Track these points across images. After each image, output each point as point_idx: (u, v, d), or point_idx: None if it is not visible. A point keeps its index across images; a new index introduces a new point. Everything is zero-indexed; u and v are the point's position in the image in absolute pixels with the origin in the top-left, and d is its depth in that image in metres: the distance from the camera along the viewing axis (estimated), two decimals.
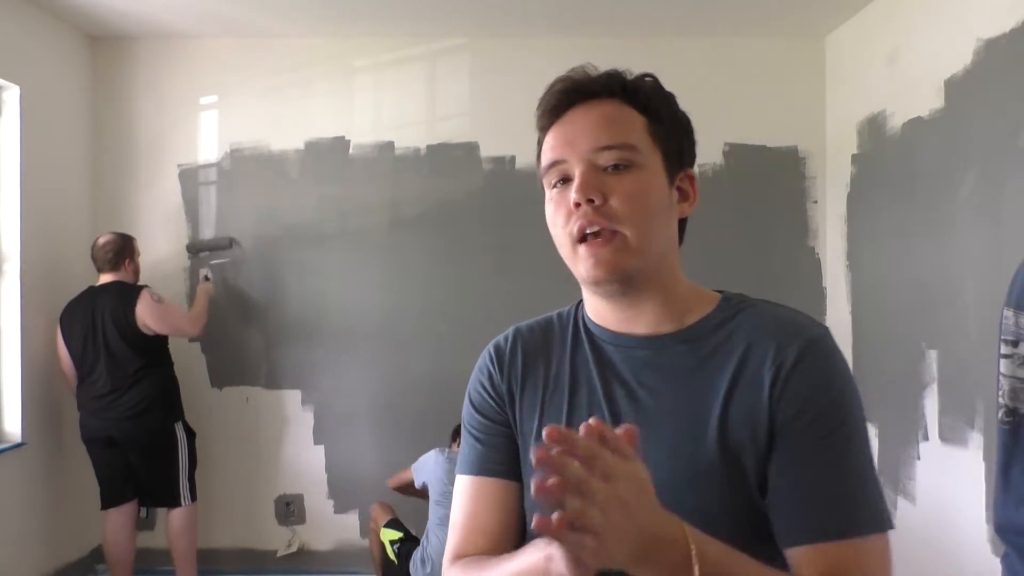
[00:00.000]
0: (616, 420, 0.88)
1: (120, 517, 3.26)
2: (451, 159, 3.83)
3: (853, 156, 3.56)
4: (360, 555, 3.66)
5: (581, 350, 0.95)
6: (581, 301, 0.99)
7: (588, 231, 0.85)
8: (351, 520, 3.82)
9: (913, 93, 3.05)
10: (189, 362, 3.72)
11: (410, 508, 3.44)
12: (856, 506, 0.81)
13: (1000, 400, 1.04)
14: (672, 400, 0.87)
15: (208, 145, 3.84)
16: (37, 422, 3.36)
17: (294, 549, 3.81)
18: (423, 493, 3.11)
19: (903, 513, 3.13)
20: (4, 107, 3.30)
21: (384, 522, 3.20)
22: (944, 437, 2.87)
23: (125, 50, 3.82)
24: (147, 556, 3.58)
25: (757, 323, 0.88)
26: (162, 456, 3.26)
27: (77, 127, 3.73)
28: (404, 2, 3.40)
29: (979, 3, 2.67)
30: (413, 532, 3.18)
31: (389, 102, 3.84)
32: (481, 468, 0.96)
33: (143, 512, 3.51)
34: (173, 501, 3.30)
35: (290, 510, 3.83)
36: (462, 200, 3.81)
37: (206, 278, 3.70)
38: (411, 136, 3.83)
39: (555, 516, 0.61)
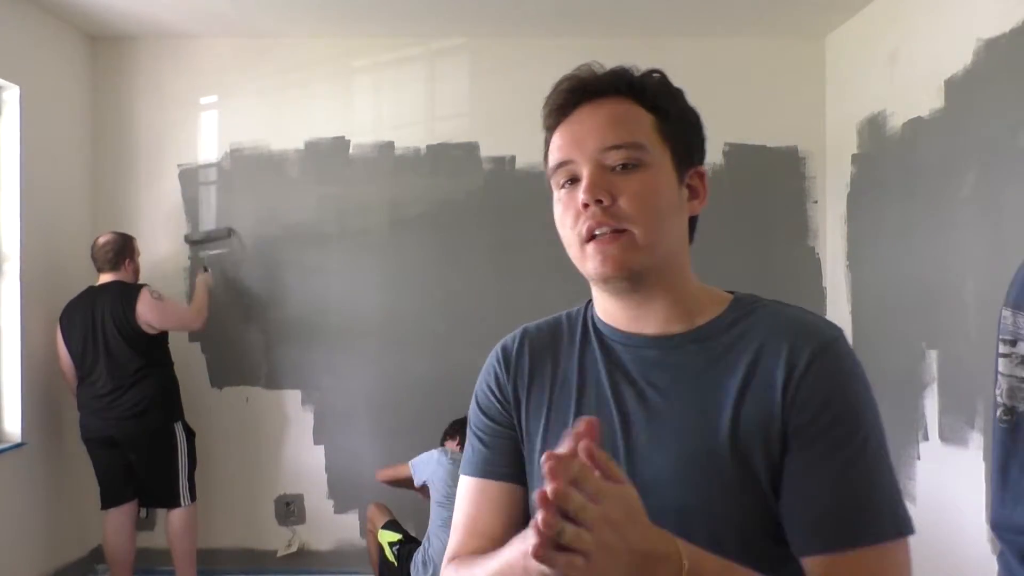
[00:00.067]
0: (625, 420, 0.88)
1: (120, 517, 3.26)
2: (451, 159, 3.83)
3: (853, 156, 3.56)
4: (360, 555, 3.66)
5: (590, 350, 0.94)
6: (591, 301, 0.98)
7: (597, 232, 0.84)
8: (351, 520, 3.82)
9: (913, 93, 3.05)
10: (189, 362, 3.72)
11: (409, 509, 3.44)
12: (872, 513, 0.79)
13: (998, 399, 1.04)
14: (682, 400, 0.86)
15: (208, 145, 3.84)
16: (37, 422, 3.36)
17: (294, 549, 3.81)
18: (420, 489, 3.11)
19: None
20: (4, 107, 3.30)
21: (382, 523, 3.20)
22: (944, 437, 2.87)
23: (125, 50, 3.83)
24: (147, 556, 3.58)
25: (770, 324, 0.87)
26: (162, 456, 3.26)
27: (77, 127, 3.74)
28: (404, 2, 3.40)
29: (979, 3, 2.67)
30: (412, 533, 3.18)
31: (389, 102, 3.84)
32: (484, 471, 0.96)
33: (143, 512, 3.51)
34: (173, 501, 3.30)
35: (290, 510, 3.83)
36: (462, 200, 3.81)
37: (204, 269, 3.70)
38: (411, 136, 3.83)
39: (535, 540, 0.62)
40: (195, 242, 3.79)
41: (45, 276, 3.43)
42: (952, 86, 2.80)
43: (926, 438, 2.98)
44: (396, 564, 3.03)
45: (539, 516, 0.62)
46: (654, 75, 0.90)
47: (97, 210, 3.80)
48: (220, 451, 3.77)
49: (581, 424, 0.68)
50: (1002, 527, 1.03)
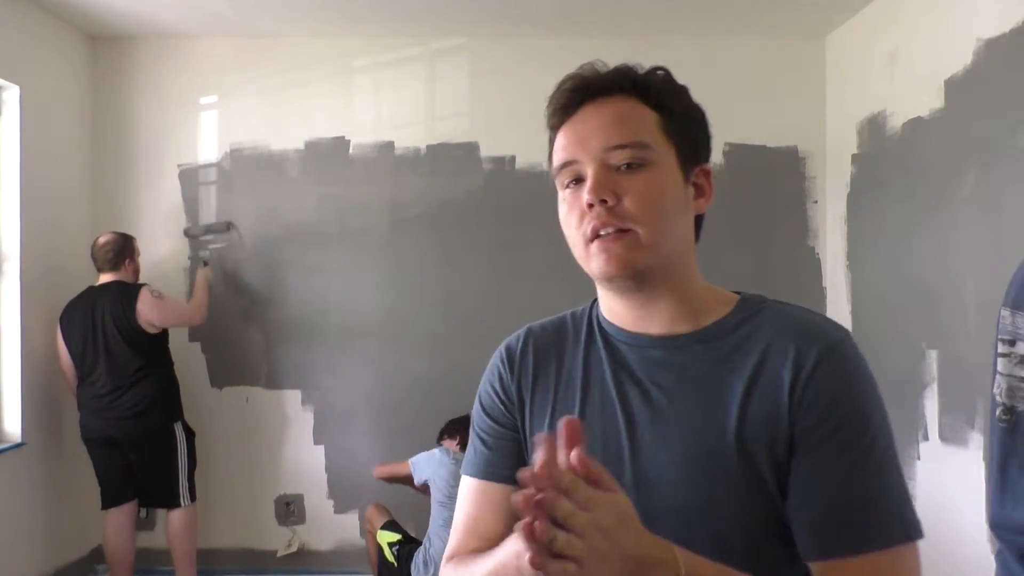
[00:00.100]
0: (630, 420, 0.87)
1: (120, 517, 3.26)
2: (451, 159, 3.83)
3: (853, 156, 3.56)
4: (360, 555, 3.66)
5: (595, 349, 0.93)
6: (596, 300, 0.97)
7: (602, 232, 0.83)
8: (351, 520, 3.82)
9: (913, 93, 3.05)
10: (189, 362, 3.72)
11: (408, 509, 3.44)
12: (880, 516, 0.78)
13: (997, 398, 1.04)
14: (687, 401, 0.86)
15: (208, 145, 3.85)
16: (37, 422, 3.36)
17: (294, 549, 3.81)
18: (419, 488, 3.10)
19: None
20: (4, 107, 3.31)
21: (381, 524, 3.19)
22: (944, 437, 2.87)
23: (125, 50, 3.83)
24: (147, 556, 3.59)
25: (776, 324, 0.86)
26: (162, 456, 3.26)
27: (77, 127, 3.74)
28: (404, 2, 3.40)
29: (979, 3, 2.67)
30: (412, 534, 3.18)
31: (389, 102, 3.84)
32: (486, 472, 0.95)
33: (143, 512, 3.51)
34: (172, 501, 3.30)
35: (290, 510, 3.84)
36: (462, 200, 3.81)
37: (204, 263, 3.70)
38: (411, 136, 3.83)
39: (527, 543, 0.63)
40: (194, 236, 3.80)
41: (45, 276, 3.43)
42: (952, 86, 2.80)
43: (926, 438, 2.98)
44: (396, 564, 3.02)
45: (522, 522, 0.63)
46: (658, 72, 0.89)
47: (97, 210, 3.80)
48: (220, 451, 3.77)
49: (562, 426, 0.68)
50: (1001, 526, 1.03)
